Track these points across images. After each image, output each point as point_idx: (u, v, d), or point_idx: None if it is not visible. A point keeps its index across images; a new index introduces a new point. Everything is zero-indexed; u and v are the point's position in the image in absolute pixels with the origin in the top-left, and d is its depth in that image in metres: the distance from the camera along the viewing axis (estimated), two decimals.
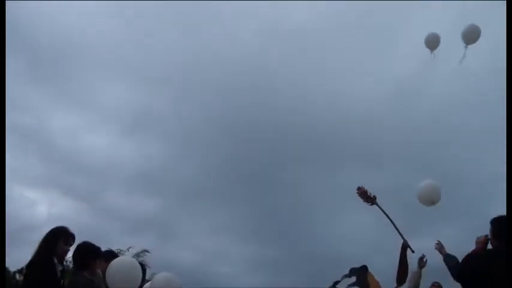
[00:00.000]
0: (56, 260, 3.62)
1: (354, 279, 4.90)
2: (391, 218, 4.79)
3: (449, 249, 3.97)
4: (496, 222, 3.51)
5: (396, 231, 4.75)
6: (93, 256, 3.77)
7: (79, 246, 3.80)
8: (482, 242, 3.71)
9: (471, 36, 5.64)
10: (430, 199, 4.97)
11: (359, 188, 4.98)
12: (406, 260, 4.71)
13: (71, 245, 3.78)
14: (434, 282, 5.49)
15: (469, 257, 3.55)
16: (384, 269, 5.14)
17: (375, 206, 4.89)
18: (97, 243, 3.93)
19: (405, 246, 4.70)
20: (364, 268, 4.93)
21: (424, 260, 4.60)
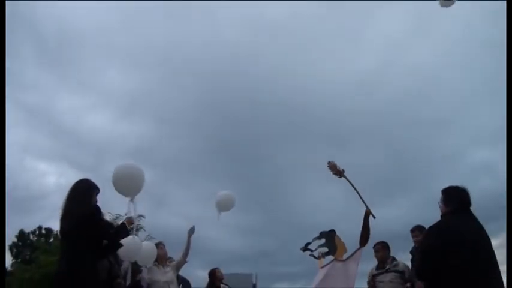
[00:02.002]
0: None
1: (323, 240, 5.53)
2: (356, 188, 5.28)
3: (404, 215, 4.50)
4: (445, 191, 4.06)
5: (360, 200, 5.25)
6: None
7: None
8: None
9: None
10: None
11: (329, 162, 5.44)
12: (369, 225, 5.26)
13: None
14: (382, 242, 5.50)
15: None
16: (349, 233, 5.69)
17: (343, 178, 5.34)
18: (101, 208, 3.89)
19: (368, 213, 5.22)
20: (332, 231, 5.55)
21: None
